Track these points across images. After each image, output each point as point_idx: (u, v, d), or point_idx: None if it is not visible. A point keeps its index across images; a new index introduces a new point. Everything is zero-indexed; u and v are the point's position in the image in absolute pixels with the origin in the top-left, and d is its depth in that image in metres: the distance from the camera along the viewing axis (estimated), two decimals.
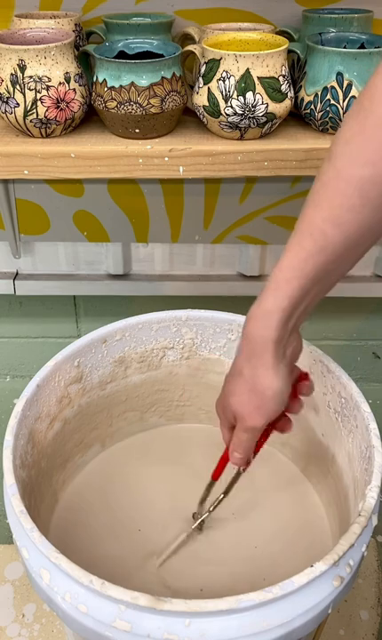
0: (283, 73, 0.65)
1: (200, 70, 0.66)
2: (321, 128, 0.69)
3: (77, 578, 0.46)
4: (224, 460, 0.62)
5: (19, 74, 0.64)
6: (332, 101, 0.65)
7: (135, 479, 0.74)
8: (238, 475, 0.63)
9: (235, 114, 0.65)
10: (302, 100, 0.68)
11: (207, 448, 0.79)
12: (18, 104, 0.65)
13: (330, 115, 0.67)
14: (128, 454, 0.78)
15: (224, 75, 0.64)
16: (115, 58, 0.66)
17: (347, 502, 0.62)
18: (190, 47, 0.67)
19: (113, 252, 0.91)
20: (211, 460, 0.77)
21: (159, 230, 0.86)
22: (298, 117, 0.71)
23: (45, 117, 0.66)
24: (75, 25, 0.72)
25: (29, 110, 0.66)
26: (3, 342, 1.03)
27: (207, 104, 0.66)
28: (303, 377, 0.57)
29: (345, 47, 0.68)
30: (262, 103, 0.64)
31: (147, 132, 0.68)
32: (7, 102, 0.66)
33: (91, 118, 0.73)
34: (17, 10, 0.75)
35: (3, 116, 0.67)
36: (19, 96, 0.65)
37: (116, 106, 0.65)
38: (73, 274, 0.93)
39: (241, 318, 0.71)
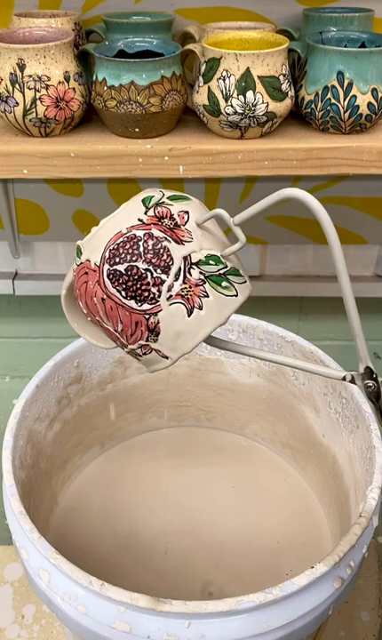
0: (284, 72, 0.65)
1: (200, 69, 0.66)
2: (321, 127, 0.69)
3: (77, 579, 0.46)
4: None
5: (18, 73, 0.64)
6: (333, 100, 0.65)
7: (135, 480, 0.74)
8: None
9: (236, 113, 0.64)
10: (303, 99, 0.68)
11: (207, 449, 0.79)
12: (17, 103, 0.65)
13: (331, 114, 0.66)
14: (127, 455, 0.78)
15: (224, 74, 0.63)
16: (114, 57, 0.66)
17: (348, 503, 0.62)
18: (190, 46, 0.67)
19: None
20: (211, 460, 0.77)
21: None
22: (299, 117, 0.71)
23: (45, 116, 0.66)
24: (75, 24, 0.72)
25: (29, 109, 0.66)
26: (2, 342, 1.03)
27: (207, 103, 0.65)
28: None
29: (345, 46, 0.68)
30: (262, 102, 0.64)
31: (147, 132, 0.68)
32: (6, 101, 0.66)
33: (90, 117, 0.72)
34: (16, 9, 0.75)
35: (3, 115, 0.67)
36: (18, 95, 0.65)
37: (116, 105, 0.65)
38: None
39: (241, 318, 0.71)
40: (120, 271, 0.43)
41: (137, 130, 0.67)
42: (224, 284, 0.44)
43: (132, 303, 0.43)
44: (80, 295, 0.47)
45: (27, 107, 0.65)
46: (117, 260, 0.43)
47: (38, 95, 0.65)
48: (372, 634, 0.74)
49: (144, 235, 0.43)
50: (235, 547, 0.67)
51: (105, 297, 0.44)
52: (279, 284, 0.93)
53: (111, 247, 0.44)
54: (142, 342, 0.45)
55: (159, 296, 0.43)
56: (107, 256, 0.44)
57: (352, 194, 0.83)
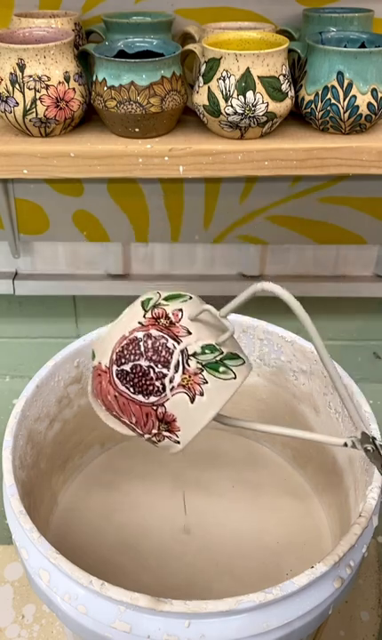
0: (284, 72, 0.65)
1: (200, 69, 0.66)
2: (321, 127, 0.69)
3: (77, 578, 0.46)
4: None
5: (18, 73, 0.64)
6: (333, 101, 0.65)
7: (134, 480, 0.74)
8: None
9: (236, 113, 0.65)
10: (302, 99, 0.68)
11: (206, 449, 0.79)
12: (17, 103, 0.65)
13: (331, 114, 0.66)
14: (128, 455, 0.78)
15: (224, 74, 0.63)
16: (114, 57, 0.66)
17: (348, 503, 0.62)
18: (190, 46, 0.67)
19: (113, 251, 0.91)
20: (211, 460, 0.77)
21: (159, 230, 0.86)
22: (299, 117, 0.71)
23: (45, 117, 0.66)
24: (75, 24, 0.72)
25: (29, 109, 0.66)
26: (2, 342, 1.03)
27: (207, 103, 0.65)
28: None
29: (345, 46, 0.68)
30: (262, 102, 0.64)
31: (147, 132, 0.68)
32: (6, 101, 0.66)
33: (90, 117, 0.72)
34: (16, 9, 0.75)
35: (3, 115, 0.67)
36: (18, 95, 0.65)
37: (116, 105, 0.65)
38: (72, 274, 0.93)
39: (241, 318, 0.71)
40: (126, 370, 0.49)
41: (137, 130, 0.67)
42: (221, 369, 0.49)
43: (141, 397, 0.49)
44: (97, 394, 0.52)
45: (28, 107, 0.65)
46: (123, 360, 0.49)
47: (38, 95, 0.65)
48: (372, 633, 0.74)
49: (143, 336, 0.49)
50: (235, 547, 0.67)
51: (117, 394, 0.50)
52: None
53: (117, 350, 0.50)
54: (155, 431, 0.50)
55: (163, 389, 0.48)
56: (114, 358, 0.50)
57: (352, 194, 0.83)
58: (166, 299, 0.51)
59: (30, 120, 0.66)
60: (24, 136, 0.70)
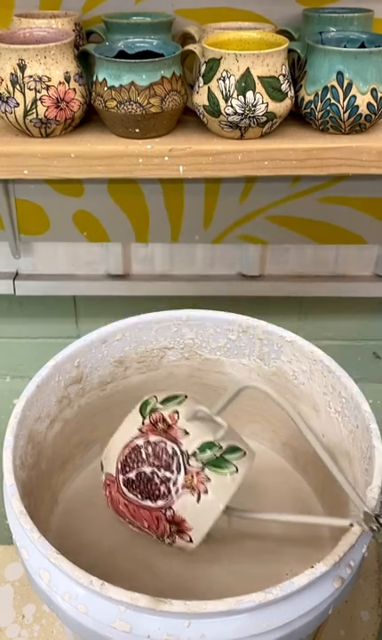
0: (284, 72, 0.65)
1: (200, 70, 0.66)
2: (321, 127, 0.69)
3: (77, 578, 0.46)
4: None
5: (18, 73, 0.64)
6: (333, 101, 0.65)
7: None
8: None
9: (236, 113, 0.65)
10: (302, 99, 0.68)
11: None
12: (17, 104, 0.65)
13: (331, 114, 0.66)
14: None
15: (224, 74, 0.63)
16: (114, 57, 0.66)
17: (348, 503, 0.62)
18: (190, 46, 0.67)
19: (113, 252, 0.91)
20: None
21: (159, 230, 0.86)
22: (299, 117, 0.71)
23: (45, 117, 0.66)
24: (75, 24, 0.72)
25: (29, 110, 0.66)
26: (2, 342, 1.03)
27: (207, 103, 0.66)
28: None
29: (345, 46, 0.68)
30: (262, 102, 0.64)
31: (147, 132, 0.68)
32: (7, 102, 0.66)
33: (91, 118, 0.72)
34: (17, 9, 0.75)
35: (3, 115, 0.67)
36: (18, 96, 0.65)
37: (116, 105, 0.65)
38: (73, 274, 0.93)
39: (241, 318, 0.71)
40: (132, 478, 0.51)
41: (137, 130, 0.67)
42: (222, 465, 0.50)
43: (149, 503, 0.50)
44: (110, 503, 0.54)
45: (28, 107, 0.65)
46: (127, 469, 0.51)
47: (39, 96, 0.65)
48: (372, 633, 0.74)
49: (144, 442, 0.51)
50: (235, 546, 0.67)
51: (126, 502, 0.52)
52: (279, 283, 0.93)
53: (121, 459, 0.52)
54: (167, 533, 0.51)
55: (169, 492, 0.49)
56: (119, 467, 0.52)
57: (352, 194, 0.83)
58: (162, 402, 0.53)
59: (31, 120, 0.66)
60: (24, 136, 0.70)
